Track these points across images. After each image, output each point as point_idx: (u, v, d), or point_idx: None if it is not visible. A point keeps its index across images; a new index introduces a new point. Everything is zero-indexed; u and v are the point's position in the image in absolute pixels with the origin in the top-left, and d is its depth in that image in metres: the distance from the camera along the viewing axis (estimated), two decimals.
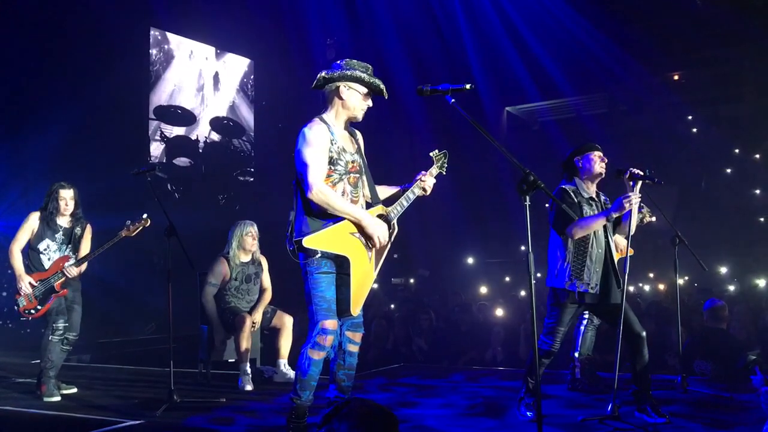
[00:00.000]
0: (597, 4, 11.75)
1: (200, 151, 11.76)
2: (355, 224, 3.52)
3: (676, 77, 14.62)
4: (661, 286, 9.98)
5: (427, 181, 3.81)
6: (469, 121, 3.08)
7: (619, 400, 4.10)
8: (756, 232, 12.18)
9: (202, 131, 11.81)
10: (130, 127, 10.31)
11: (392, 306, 9.73)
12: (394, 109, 11.60)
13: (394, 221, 3.72)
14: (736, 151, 13.91)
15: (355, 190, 3.62)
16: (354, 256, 3.49)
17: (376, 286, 10.30)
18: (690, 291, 9.35)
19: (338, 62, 3.65)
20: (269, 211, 11.27)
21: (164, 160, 11.08)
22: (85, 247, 5.31)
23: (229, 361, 5.91)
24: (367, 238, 3.56)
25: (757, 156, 13.66)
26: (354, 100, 3.62)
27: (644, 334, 4.14)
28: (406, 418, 4.22)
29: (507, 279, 11.94)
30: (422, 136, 13.09)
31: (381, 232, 3.57)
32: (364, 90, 3.63)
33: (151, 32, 11.04)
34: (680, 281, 6.00)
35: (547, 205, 4.44)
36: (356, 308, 3.56)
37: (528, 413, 4.20)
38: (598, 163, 4.30)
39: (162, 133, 11.10)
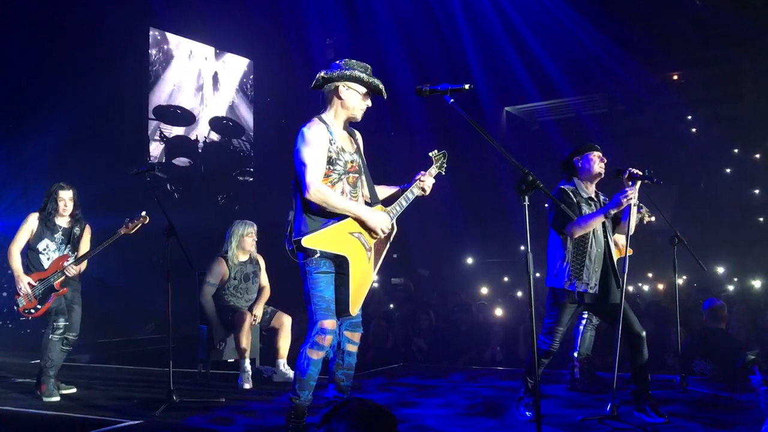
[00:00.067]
0: (596, 4, 11.74)
1: (200, 151, 11.76)
2: (356, 221, 3.52)
3: (675, 77, 14.61)
4: (661, 286, 9.97)
5: (427, 181, 3.81)
6: (468, 121, 3.08)
7: (618, 400, 4.11)
8: (755, 232, 12.17)
9: (202, 131, 11.82)
10: (130, 127, 10.31)
11: (391, 306, 9.73)
12: (393, 109, 11.61)
13: (394, 221, 3.72)
14: (736, 150, 13.90)
15: (354, 189, 3.63)
16: (353, 256, 3.49)
17: (376, 285, 10.31)
18: (689, 291, 9.35)
19: (337, 62, 3.66)
20: (269, 211, 11.28)
21: (164, 160, 11.08)
22: (84, 247, 5.32)
23: (229, 361, 5.92)
24: (370, 232, 3.57)
25: (757, 156, 13.66)
26: (353, 100, 3.62)
27: (644, 333, 4.15)
28: (406, 417, 4.22)
29: (506, 279, 11.94)
30: (421, 136, 13.09)
31: (382, 223, 3.58)
32: (363, 90, 3.63)
33: (151, 32, 11.04)
34: (679, 281, 6.01)
35: (546, 205, 4.45)
36: (355, 308, 3.56)
37: (527, 413, 4.20)
38: (598, 163, 4.30)
39: (161, 133, 11.10)
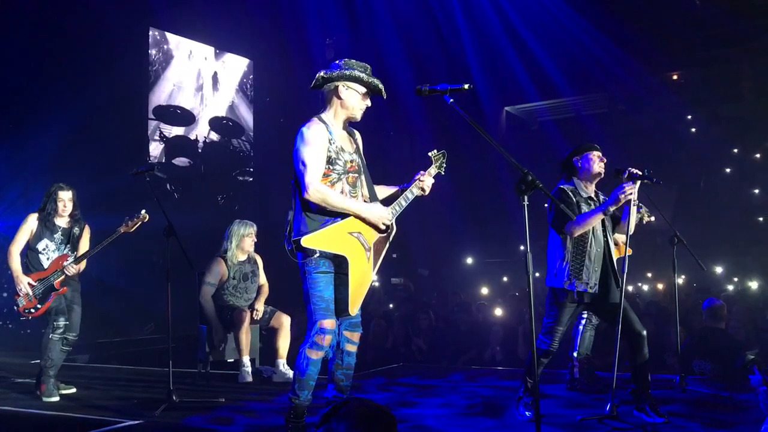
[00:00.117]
0: (596, 4, 11.74)
1: (199, 151, 11.75)
2: (356, 218, 3.53)
3: (675, 77, 14.61)
4: (660, 286, 9.99)
5: (426, 180, 3.81)
6: (467, 121, 3.08)
7: (618, 400, 4.10)
8: (755, 232, 12.19)
9: (202, 131, 11.81)
10: (130, 127, 10.30)
11: (391, 306, 9.73)
12: (392, 109, 11.61)
13: (393, 221, 3.72)
14: (735, 150, 13.92)
15: (353, 189, 3.63)
16: (352, 256, 3.49)
17: (377, 284, 10.32)
18: (689, 291, 9.36)
19: (337, 62, 3.66)
20: (268, 210, 11.30)
21: (163, 160, 11.08)
22: (84, 247, 5.32)
23: (229, 361, 5.92)
24: (372, 227, 3.57)
25: (757, 156, 13.67)
26: (353, 99, 3.62)
27: (645, 332, 4.14)
28: (405, 417, 4.22)
29: (505, 279, 11.95)
30: (421, 136, 13.09)
31: (382, 216, 3.59)
32: (363, 90, 3.63)
33: (151, 32, 11.04)
34: (679, 281, 6.01)
35: (546, 205, 4.45)
36: (354, 308, 3.56)
37: (527, 413, 4.20)
38: (597, 163, 4.31)
39: (161, 133, 11.10)
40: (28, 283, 5.07)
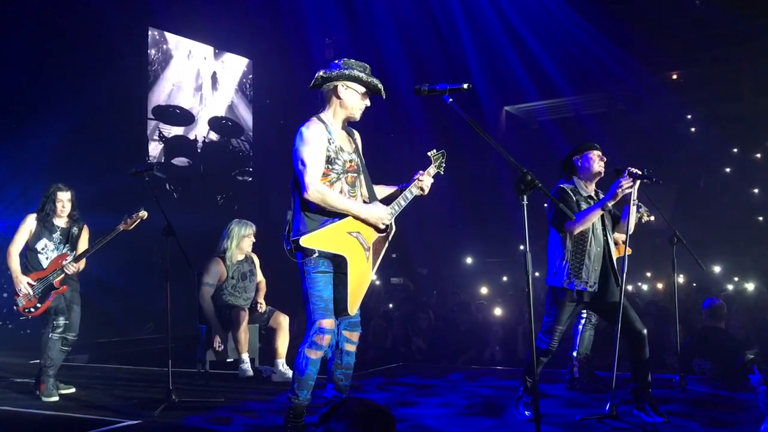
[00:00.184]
0: (596, 4, 11.75)
1: (199, 150, 11.75)
2: (355, 219, 3.52)
3: (674, 77, 14.62)
4: (660, 286, 9.99)
5: (425, 180, 3.81)
6: (467, 120, 3.08)
7: (618, 399, 4.10)
8: (755, 232, 12.18)
9: (201, 131, 11.81)
10: (129, 126, 10.30)
11: (391, 305, 9.73)
12: (392, 108, 11.59)
13: (392, 221, 3.72)
14: (735, 150, 13.92)
15: (352, 189, 3.63)
16: (351, 256, 3.49)
17: (378, 283, 10.32)
18: (688, 290, 9.36)
19: (336, 62, 3.66)
20: (268, 210, 11.29)
21: (162, 160, 11.08)
22: (83, 247, 5.32)
23: (228, 360, 5.92)
24: (371, 227, 3.57)
25: (757, 155, 13.67)
26: (352, 99, 3.62)
27: (645, 331, 4.14)
28: (405, 417, 4.22)
29: (505, 278, 11.94)
30: (420, 136, 13.08)
31: (381, 216, 3.58)
32: (362, 89, 3.63)
33: (150, 32, 11.04)
34: (679, 280, 6.01)
35: (546, 204, 4.45)
36: (354, 308, 3.56)
37: (526, 412, 4.20)
38: (597, 162, 4.31)
39: (160, 132, 11.10)
40: (28, 283, 5.07)
